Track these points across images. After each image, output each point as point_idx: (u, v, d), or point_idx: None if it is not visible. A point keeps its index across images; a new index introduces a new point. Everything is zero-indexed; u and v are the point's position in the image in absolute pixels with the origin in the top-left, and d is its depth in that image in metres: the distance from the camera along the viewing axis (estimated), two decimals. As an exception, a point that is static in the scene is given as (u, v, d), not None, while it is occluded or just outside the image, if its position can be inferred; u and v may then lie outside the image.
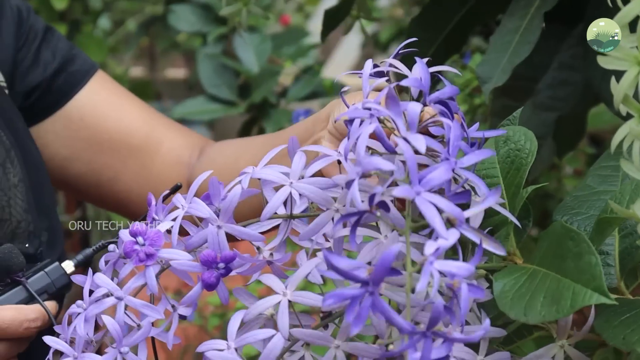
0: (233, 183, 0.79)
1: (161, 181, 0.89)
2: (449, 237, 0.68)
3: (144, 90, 2.45)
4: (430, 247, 0.68)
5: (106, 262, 0.80)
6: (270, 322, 0.79)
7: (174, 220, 0.79)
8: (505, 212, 0.78)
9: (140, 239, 0.77)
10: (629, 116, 0.70)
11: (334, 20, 1.19)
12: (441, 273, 0.67)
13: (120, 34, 3.28)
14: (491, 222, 0.83)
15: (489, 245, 0.73)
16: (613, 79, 0.70)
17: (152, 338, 0.81)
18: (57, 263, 0.95)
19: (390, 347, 0.70)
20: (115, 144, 1.11)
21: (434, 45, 1.17)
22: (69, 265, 0.95)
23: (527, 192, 0.80)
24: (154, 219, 0.80)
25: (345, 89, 0.86)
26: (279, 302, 0.75)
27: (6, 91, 1.07)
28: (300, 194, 0.77)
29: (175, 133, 1.16)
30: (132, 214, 1.15)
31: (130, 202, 1.14)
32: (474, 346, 0.78)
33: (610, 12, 0.71)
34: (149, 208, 0.80)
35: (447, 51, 1.19)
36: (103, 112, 1.11)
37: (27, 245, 0.99)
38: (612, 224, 0.76)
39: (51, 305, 0.93)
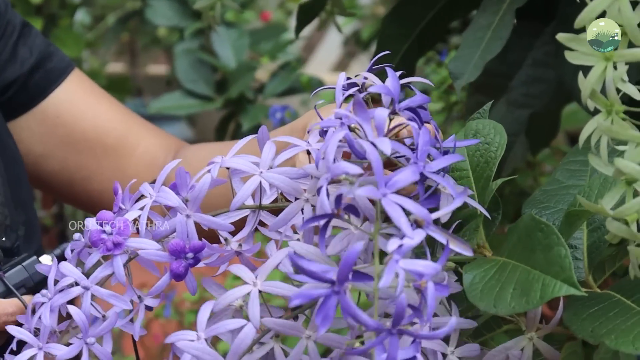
0: (202, 172, 0.79)
1: (135, 182, 0.88)
2: (415, 237, 0.68)
3: (122, 86, 2.44)
4: (393, 244, 0.68)
5: (72, 251, 0.79)
6: (240, 313, 0.78)
7: (141, 209, 0.78)
8: (475, 204, 0.78)
9: (107, 228, 0.76)
10: (596, 111, 0.71)
11: (308, 15, 1.18)
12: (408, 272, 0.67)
13: (101, 29, 3.27)
14: (460, 215, 0.83)
15: (456, 246, 0.73)
16: (580, 74, 0.70)
17: (132, 337, 0.80)
18: (35, 257, 0.94)
19: (357, 345, 0.70)
20: (90, 143, 1.11)
21: (408, 41, 1.17)
22: (47, 260, 0.94)
23: (496, 185, 0.80)
24: (120, 209, 0.79)
25: (319, 102, 0.87)
26: (249, 292, 0.75)
27: None
28: (270, 184, 0.77)
29: (151, 134, 1.16)
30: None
31: (103, 202, 1.13)
32: (444, 338, 0.78)
33: (581, 9, 0.71)
34: (116, 197, 0.80)
35: (421, 47, 1.19)
36: (79, 111, 1.11)
37: (3, 239, 0.99)
38: (580, 217, 0.76)
39: (29, 299, 0.92)
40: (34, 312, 0.78)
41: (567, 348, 0.84)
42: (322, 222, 0.72)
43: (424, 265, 0.68)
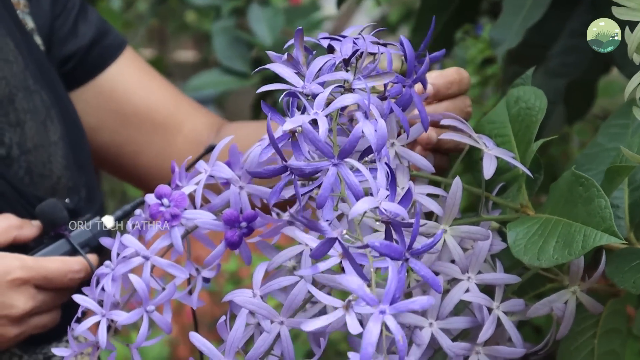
0: (253, 147, 0.82)
1: (181, 159, 0.92)
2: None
3: (157, 67, 2.47)
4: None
5: (133, 226, 0.83)
6: (292, 275, 0.81)
7: (197, 184, 0.81)
8: (518, 164, 0.81)
9: (165, 201, 0.80)
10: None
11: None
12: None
13: (131, 15, 3.30)
14: (504, 179, 0.86)
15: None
16: (627, 29, 0.72)
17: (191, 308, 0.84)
18: (98, 218, 0.99)
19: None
20: (141, 118, 1.15)
21: (446, 13, 1.19)
22: (109, 220, 0.99)
23: (537, 146, 0.82)
24: (177, 186, 0.83)
25: None
26: (302, 252, 0.78)
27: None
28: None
29: (197, 113, 1.20)
30: (149, 189, 1.18)
31: (148, 177, 1.17)
32: (489, 293, 0.81)
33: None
34: (173, 174, 0.83)
35: (459, 19, 1.21)
36: (132, 87, 1.15)
37: (67, 200, 1.03)
38: (621, 173, 0.78)
39: (93, 258, 0.98)
40: (97, 283, 0.82)
41: (610, 306, 0.87)
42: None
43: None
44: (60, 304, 0.97)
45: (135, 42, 3.56)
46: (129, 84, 1.14)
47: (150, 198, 0.81)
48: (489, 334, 0.81)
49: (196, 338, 0.78)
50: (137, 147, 1.15)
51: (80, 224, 0.99)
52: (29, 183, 1.02)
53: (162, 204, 0.80)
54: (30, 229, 0.99)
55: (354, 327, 0.68)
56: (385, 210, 0.71)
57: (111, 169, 1.19)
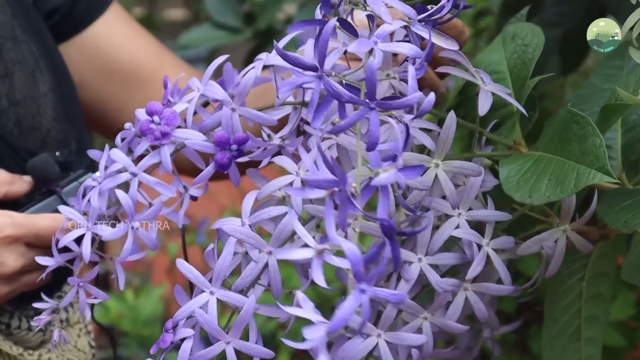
0: (247, 69, 0.81)
1: None
2: (393, 24, 0.71)
3: (147, 23, 2.45)
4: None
5: (122, 140, 0.81)
6: (282, 204, 0.81)
7: (189, 102, 0.80)
8: (512, 100, 0.80)
9: (156, 118, 0.79)
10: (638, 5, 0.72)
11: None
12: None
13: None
14: (498, 115, 0.86)
15: (440, 42, 0.76)
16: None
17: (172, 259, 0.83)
18: (90, 173, 0.97)
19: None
20: (125, 75, 1.13)
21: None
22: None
23: (533, 83, 0.81)
24: (169, 102, 0.82)
25: None
26: (292, 181, 0.77)
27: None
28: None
29: (182, 71, 1.18)
30: None
31: None
32: (480, 231, 0.81)
33: None
34: (165, 90, 0.82)
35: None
36: (118, 43, 1.14)
37: (57, 153, 1.02)
38: (616, 112, 0.78)
39: None
40: (84, 195, 0.80)
41: (598, 249, 0.87)
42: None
43: (405, 47, 0.71)
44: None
45: (125, 0, 3.53)
46: (115, 40, 1.13)
47: (140, 114, 0.79)
48: (477, 270, 0.80)
49: (183, 265, 0.78)
50: (120, 104, 1.14)
51: (72, 180, 0.96)
52: (19, 135, 1.00)
53: (152, 121, 0.79)
54: (21, 184, 0.97)
55: (317, 277, 0.66)
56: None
57: (95, 126, 1.18)
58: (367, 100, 0.68)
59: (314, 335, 0.63)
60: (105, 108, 1.13)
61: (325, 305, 1.88)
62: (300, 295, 0.66)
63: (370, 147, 0.68)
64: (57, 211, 0.94)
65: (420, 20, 0.75)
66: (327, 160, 0.66)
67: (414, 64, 0.73)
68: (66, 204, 0.94)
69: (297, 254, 0.67)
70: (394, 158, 0.68)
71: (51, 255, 0.90)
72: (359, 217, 0.67)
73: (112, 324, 2.16)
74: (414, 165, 0.74)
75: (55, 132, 1.02)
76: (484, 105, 0.81)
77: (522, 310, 1.71)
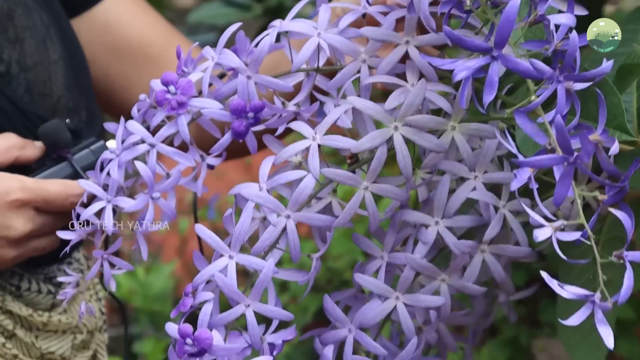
0: (261, 36, 0.81)
1: None
2: None
3: (158, 3, 2.45)
4: None
5: (138, 111, 0.82)
6: (299, 169, 0.81)
7: (204, 71, 0.81)
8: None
9: (171, 88, 0.79)
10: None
11: None
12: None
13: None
14: (513, 79, 0.85)
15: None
16: None
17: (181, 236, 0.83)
18: (102, 141, 0.97)
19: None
20: (134, 53, 1.14)
21: None
22: (113, 144, 0.96)
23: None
24: (183, 72, 0.82)
25: None
26: (309, 146, 0.78)
27: None
28: (328, 45, 0.79)
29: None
30: None
31: None
32: (496, 194, 0.81)
33: None
34: (178, 60, 0.82)
35: None
36: (127, 21, 1.14)
37: (67, 121, 1.01)
38: (633, 72, 0.78)
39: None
40: (102, 169, 0.81)
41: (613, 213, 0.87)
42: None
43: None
44: (60, 227, 0.94)
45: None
46: (124, 17, 1.13)
47: (156, 84, 0.80)
48: (495, 231, 0.81)
49: (201, 229, 0.78)
50: (127, 82, 1.14)
51: (83, 147, 0.96)
52: (29, 102, 1.00)
53: (168, 91, 0.79)
54: (32, 149, 0.97)
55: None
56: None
57: (101, 104, 1.18)
58: (557, 74, 0.70)
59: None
60: (112, 86, 1.14)
61: (335, 279, 1.88)
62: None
63: (557, 118, 0.70)
64: (67, 177, 0.95)
65: None
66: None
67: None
68: (77, 171, 0.95)
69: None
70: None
71: (60, 221, 0.92)
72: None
73: (124, 300, 2.17)
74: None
75: (65, 99, 1.03)
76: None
77: (532, 283, 1.72)
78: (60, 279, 0.86)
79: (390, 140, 0.78)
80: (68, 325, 1.01)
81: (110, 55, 1.12)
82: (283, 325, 0.80)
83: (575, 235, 0.69)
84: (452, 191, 0.82)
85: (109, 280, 0.82)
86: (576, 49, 0.71)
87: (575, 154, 0.69)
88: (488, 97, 0.71)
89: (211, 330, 0.75)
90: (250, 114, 0.80)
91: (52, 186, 0.93)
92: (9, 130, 0.97)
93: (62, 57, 1.04)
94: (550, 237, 0.69)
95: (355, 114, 0.80)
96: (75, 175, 0.95)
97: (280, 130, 0.83)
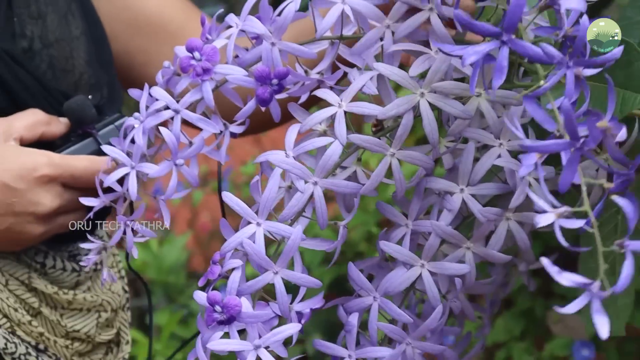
0: (285, 3, 0.81)
1: None
2: None
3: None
4: None
5: (162, 77, 0.82)
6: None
7: (228, 38, 0.80)
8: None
9: (196, 54, 0.79)
10: None
11: None
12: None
13: None
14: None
15: None
16: None
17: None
18: (126, 117, 0.96)
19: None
20: (153, 28, 1.14)
21: None
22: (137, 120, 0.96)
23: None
24: (207, 39, 0.82)
25: None
26: (336, 113, 0.77)
27: None
28: (352, 10, 0.79)
29: None
30: None
31: None
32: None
33: None
34: (202, 27, 0.82)
35: None
36: None
37: (90, 97, 1.02)
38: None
39: None
40: (125, 135, 0.81)
41: (636, 181, 0.86)
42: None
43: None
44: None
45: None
46: None
47: (180, 50, 0.79)
48: (520, 199, 0.80)
49: (229, 197, 0.78)
50: (147, 57, 1.14)
51: (108, 123, 0.96)
52: (52, 78, 1.00)
53: (193, 57, 0.79)
54: (57, 125, 0.97)
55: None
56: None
57: (120, 80, 1.18)
58: (567, 59, 0.70)
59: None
60: (132, 62, 1.14)
61: (350, 251, 1.89)
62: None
63: (566, 104, 0.69)
64: (92, 153, 0.95)
65: None
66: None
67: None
68: (101, 147, 0.94)
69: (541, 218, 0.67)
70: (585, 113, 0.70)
71: (88, 196, 0.91)
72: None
73: (138, 271, 2.17)
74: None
75: (87, 75, 1.03)
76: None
77: (547, 254, 1.72)
78: (83, 245, 0.86)
79: (416, 107, 0.78)
80: (93, 303, 1.01)
81: (130, 30, 1.12)
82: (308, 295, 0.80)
83: (579, 223, 0.68)
84: (475, 160, 0.82)
85: (131, 246, 0.82)
86: (586, 34, 0.71)
87: (582, 139, 0.68)
88: (497, 82, 0.71)
89: (239, 297, 0.75)
90: (275, 81, 0.80)
91: (79, 162, 0.93)
92: (33, 106, 0.97)
93: (84, 32, 1.04)
94: (553, 223, 0.68)
95: (379, 82, 0.80)
96: (100, 151, 0.94)
97: (303, 99, 0.83)
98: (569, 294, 1.85)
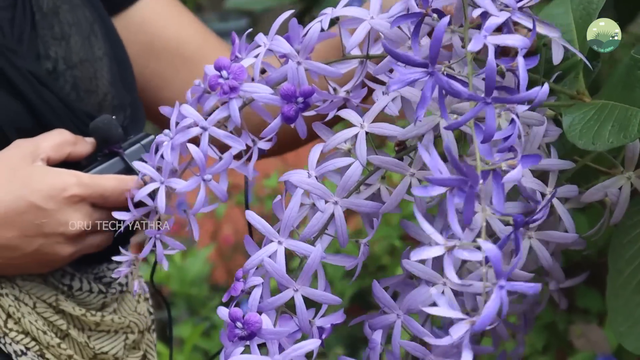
0: (312, 23, 0.82)
1: None
2: (500, 16, 0.72)
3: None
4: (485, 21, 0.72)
5: (192, 96, 0.83)
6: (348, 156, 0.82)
7: (256, 57, 0.82)
8: (576, 51, 0.81)
9: (224, 73, 0.80)
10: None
11: None
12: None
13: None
14: (562, 67, 0.86)
15: (542, 29, 0.76)
16: None
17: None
18: (152, 136, 0.97)
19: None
20: (170, 52, 1.14)
21: None
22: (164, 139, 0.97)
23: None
24: (236, 57, 0.83)
25: None
26: (357, 134, 0.79)
27: None
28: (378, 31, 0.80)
29: (224, 49, 1.19)
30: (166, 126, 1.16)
31: None
32: (543, 179, 0.82)
33: None
34: (233, 45, 0.83)
35: None
36: (162, 20, 1.15)
37: (114, 117, 1.02)
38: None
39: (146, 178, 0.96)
40: (156, 151, 0.82)
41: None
42: (413, 20, 0.75)
43: (514, 39, 0.72)
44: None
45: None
46: (159, 17, 1.14)
47: (209, 69, 0.81)
48: (542, 218, 0.81)
49: (251, 216, 0.79)
50: (162, 82, 1.14)
51: (134, 142, 0.97)
52: (76, 99, 1.01)
53: (221, 76, 0.80)
54: (84, 145, 0.98)
55: (450, 274, 0.70)
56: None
57: None
58: (485, 96, 0.70)
59: (459, 333, 0.67)
60: (147, 85, 1.14)
61: (372, 264, 1.90)
62: (433, 291, 0.70)
63: (486, 140, 0.69)
64: (120, 172, 0.95)
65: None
66: (455, 159, 0.68)
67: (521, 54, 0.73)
68: (129, 166, 0.95)
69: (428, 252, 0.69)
70: (510, 149, 0.70)
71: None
72: (484, 210, 0.70)
73: (161, 284, 2.19)
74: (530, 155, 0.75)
75: (111, 96, 1.03)
76: (557, 54, 0.81)
77: (570, 270, 1.72)
78: (115, 258, 0.87)
79: (437, 128, 0.79)
80: (120, 325, 1.02)
81: (146, 54, 1.13)
82: (329, 310, 0.81)
83: (476, 256, 0.70)
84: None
85: (161, 259, 0.83)
86: (493, 71, 0.70)
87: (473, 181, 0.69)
88: (420, 112, 0.72)
89: (261, 314, 0.76)
90: (300, 99, 0.81)
91: (107, 182, 0.93)
92: (57, 127, 0.98)
93: (107, 53, 1.04)
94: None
95: (403, 102, 0.81)
96: (127, 171, 0.96)
97: (330, 116, 0.84)
98: (593, 308, 1.85)
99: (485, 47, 0.71)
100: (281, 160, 2.22)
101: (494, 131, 0.69)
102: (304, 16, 1.89)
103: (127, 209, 0.89)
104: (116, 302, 1.03)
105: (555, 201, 0.81)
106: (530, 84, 0.79)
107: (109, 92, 1.03)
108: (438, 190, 0.70)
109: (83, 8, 1.04)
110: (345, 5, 0.83)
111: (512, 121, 0.71)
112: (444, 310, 0.69)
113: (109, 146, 0.97)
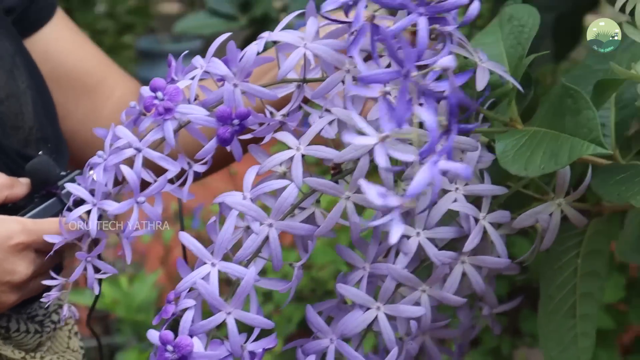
0: (249, 47, 0.82)
1: (108, 126, 0.91)
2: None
3: (144, 12, 2.46)
4: None
5: (126, 117, 0.83)
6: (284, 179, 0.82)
7: (192, 79, 0.82)
8: (508, 77, 0.82)
9: (159, 94, 0.80)
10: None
11: None
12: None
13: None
14: (495, 95, 0.87)
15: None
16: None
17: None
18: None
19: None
20: (72, 82, 1.13)
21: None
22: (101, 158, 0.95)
23: (528, 61, 0.83)
24: (172, 80, 0.83)
25: None
26: (293, 156, 0.79)
27: None
28: (314, 55, 0.80)
29: (128, 82, 1.18)
30: (71, 156, 1.13)
31: (73, 144, 1.14)
32: (477, 205, 0.82)
33: None
34: (169, 68, 0.83)
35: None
36: (66, 49, 1.13)
37: (40, 152, 1.00)
38: (610, 87, 0.79)
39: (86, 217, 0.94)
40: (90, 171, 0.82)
41: (592, 225, 0.88)
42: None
43: None
44: (54, 265, 0.95)
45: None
46: (63, 46, 1.12)
47: (145, 90, 0.81)
48: (474, 243, 0.82)
49: (185, 237, 0.79)
50: (64, 112, 1.12)
51: (69, 180, 0.94)
52: (2, 136, 0.99)
53: (156, 97, 0.80)
54: (20, 187, 0.95)
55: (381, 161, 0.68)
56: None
57: None
58: (417, 5, 0.71)
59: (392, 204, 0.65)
60: None
61: (320, 289, 1.90)
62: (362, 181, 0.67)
63: (420, 52, 0.70)
64: (58, 213, 0.93)
65: None
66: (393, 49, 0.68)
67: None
68: (66, 185, 0.94)
69: (360, 140, 0.68)
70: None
71: (55, 260, 0.92)
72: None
73: (107, 310, 2.17)
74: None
75: (35, 129, 1.01)
76: (481, 81, 0.82)
77: (514, 294, 1.74)
78: (45, 282, 0.87)
79: (372, 151, 0.79)
80: None
81: (49, 83, 1.10)
82: (265, 334, 0.81)
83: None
84: (433, 203, 0.83)
85: (92, 284, 0.83)
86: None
87: (408, 69, 0.68)
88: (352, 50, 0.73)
89: (192, 337, 0.76)
90: (236, 121, 0.81)
91: (50, 226, 0.91)
92: None
93: (29, 86, 1.02)
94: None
95: (340, 125, 0.81)
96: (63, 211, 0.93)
97: (267, 139, 0.84)
98: (536, 333, 1.86)
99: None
100: (231, 183, 2.21)
101: (427, 42, 0.70)
102: (253, 40, 1.89)
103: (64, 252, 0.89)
104: (50, 341, 1.02)
105: (487, 226, 0.82)
106: (462, 110, 0.80)
107: (34, 126, 1.01)
108: (372, 92, 0.70)
109: (3, 40, 1.02)
110: (289, 27, 0.84)
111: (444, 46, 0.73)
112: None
113: (47, 187, 0.95)
